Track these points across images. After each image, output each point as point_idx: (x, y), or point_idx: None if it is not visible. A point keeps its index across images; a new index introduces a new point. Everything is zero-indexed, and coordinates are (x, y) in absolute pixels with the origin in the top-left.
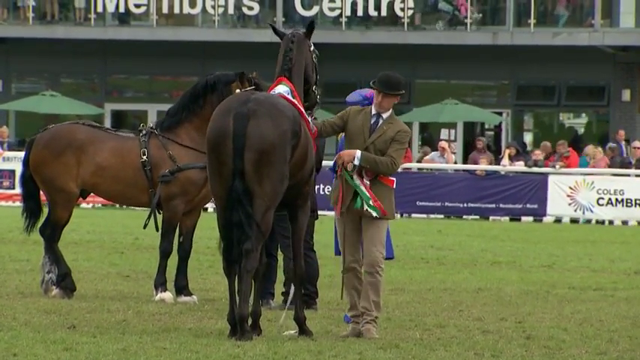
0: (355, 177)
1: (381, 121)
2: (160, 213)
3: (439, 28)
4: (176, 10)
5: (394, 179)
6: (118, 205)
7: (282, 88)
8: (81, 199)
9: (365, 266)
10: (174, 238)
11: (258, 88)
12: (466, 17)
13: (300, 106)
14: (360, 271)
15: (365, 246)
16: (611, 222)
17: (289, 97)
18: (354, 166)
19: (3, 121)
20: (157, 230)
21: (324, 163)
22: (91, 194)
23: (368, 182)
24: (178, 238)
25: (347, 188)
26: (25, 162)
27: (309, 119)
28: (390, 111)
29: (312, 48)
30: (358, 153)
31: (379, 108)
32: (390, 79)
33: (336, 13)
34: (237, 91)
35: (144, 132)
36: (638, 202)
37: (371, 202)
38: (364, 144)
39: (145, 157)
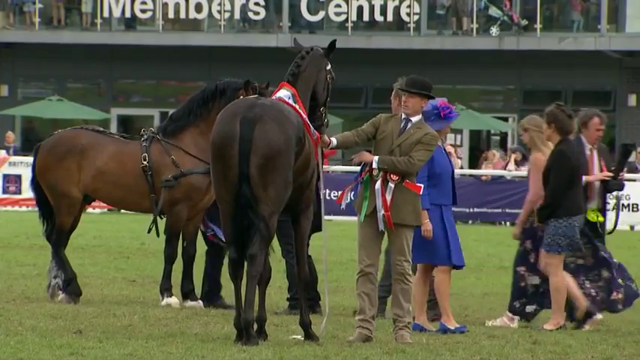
0: (378, 183)
1: (409, 125)
2: (162, 218)
3: (493, 33)
4: (182, 15)
5: (421, 185)
6: (123, 210)
7: (283, 93)
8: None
9: (394, 275)
10: (178, 244)
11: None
12: (516, 24)
13: (302, 112)
14: (375, 277)
15: (392, 255)
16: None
17: (290, 101)
18: (379, 171)
19: (9, 126)
20: (158, 236)
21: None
22: (95, 200)
23: (392, 186)
24: (182, 243)
25: (371, 193)
26: (33, 168)
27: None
28: (420, 116)
29: (328, 67)
30: (376, 157)
31: (404, 108)
32: (414, 79)
33: (342, 18)
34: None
35: (145, 137)
36: None
37: (382, 213)
38: (391, 147)
39: (145, 163)
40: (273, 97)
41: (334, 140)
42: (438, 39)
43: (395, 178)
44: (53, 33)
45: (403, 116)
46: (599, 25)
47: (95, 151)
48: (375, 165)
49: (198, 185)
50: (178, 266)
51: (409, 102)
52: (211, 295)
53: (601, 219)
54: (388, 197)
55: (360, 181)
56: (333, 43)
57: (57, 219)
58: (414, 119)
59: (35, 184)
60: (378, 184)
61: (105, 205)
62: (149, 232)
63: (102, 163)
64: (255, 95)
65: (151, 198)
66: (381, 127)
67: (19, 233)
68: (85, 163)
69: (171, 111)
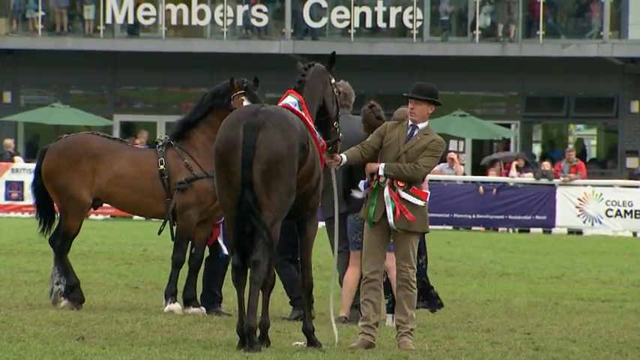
0: (387, 190)
1: (416, 132)
2: (174, 224)
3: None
4: (185, 22)
5: (427, 192)
6: (127, 217)
7: (289, 100)
8: (91, 209)
9: (398, 281)
10: (187, 248)
11: (249, 92)
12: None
13: (308, 119)
14: (380, 284)
15: (397, 261)
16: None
17: (296, 108)
18: (385, 177)
19: (12, 133)
20: (173, 240)
21: None
22: (102, 205)
23: (401, 192)
24: (190, 249)
25: (379, 200)
26: (37, 171)
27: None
28: (426, 123)
29: (333, 81)
30: (382, 164)
31: (411, 115)
32: (421, 86)
33: (345, 24)
34: (233, 97)
35: (160, 143)
36: None
37: (393, 218)
38: (397, 153)
39: (162, 166)
40: (280, 104)
41: (344, 157)
42: (441, 45)
43: (401, 184)
44: (56, 40)
45: (410, 123)
46: (602, 32)
47: (111, 156)
48: (381, 172)
49: (211, 189)
50: (183, 272)
51: (416, 109)
52: (205, 302)
53: None
54: (406, 196)
55: (370, 189)
56: (333, 55)
57: (63, 223)
58: (421, 126)
59: (38, 187)
60: (386, 191)
61: (109, 211)
62: (160, 233)
63: (119, 167)
64: (241, 92)
65: (167, 202)
66: (387, 134)
67: (22, 240)
68: (101, 167)
69: (173, 118)
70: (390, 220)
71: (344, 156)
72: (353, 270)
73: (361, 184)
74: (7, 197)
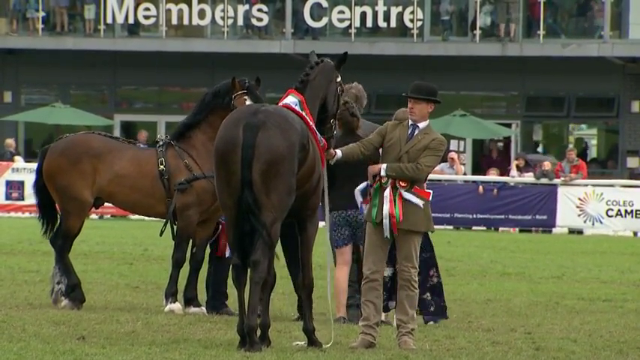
0: (387, 190)
1: (417, 131)
2: (175, 224)
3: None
4: (185, 22)
5: (430, 192)
6: (127, 217)
7: (290, 99)
8: (93, 209)
9: (400, 281)
10: (187, 248)
11: (251, 92)
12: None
13: (308, 119)
14: (380, 283)
15: (399, 261)
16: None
17: (297, 108)
18: (387, 178)
19: (13, 132)
20: (173, 240)
21: None
22: (103, 205)
23: (403, 192)
24: (191, 248)
25: (381, 201)
26: (39, 170)
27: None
28: (427, 122)
29: (338, 79)
30: (384, 165)
31: (411, 115)
32: (420, 85)
33: (345, 24)
34: (235, 97)
35: (160, 143)
36: None
37: (387, 220)
38: (398, 153)
39: (162, 167)
40: (280, 104)
41: (339, 153)
42: (442, 45)
43: (403, 184)
44: (56, 39)
45: (410, 122)
46: (603, 32)
47: (112, 156)
48: (383, 172)
49: (210, 189)
50: (183, 272)
51: (415, 108)
52: (215, 303)
53: None
54: (409, 197)
55: (372, 190)
56: (345, 55)
57: (64, 223)
58: (421, 125)
59: (40, 187)
60: (387, 192)
61: (109, 210)
62: (161, 234)
63: (119, 167)
64: (243, 91)
65: (167, 202)
66: (388, 134)
67: (22, 239)
68: (102, 167)
69: (174, 118)
70: (386, 220)
71: (339, 151)
72: (340, 268)
73: (357, 191)
74: (8, 197)
